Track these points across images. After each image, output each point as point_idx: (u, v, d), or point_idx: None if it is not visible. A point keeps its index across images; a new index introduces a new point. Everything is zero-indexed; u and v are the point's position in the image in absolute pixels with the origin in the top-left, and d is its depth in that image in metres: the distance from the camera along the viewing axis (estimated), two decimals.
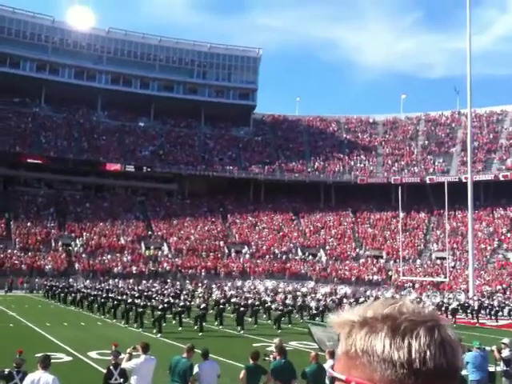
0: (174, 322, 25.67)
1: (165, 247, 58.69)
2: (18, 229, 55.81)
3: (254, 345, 18.50)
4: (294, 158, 74.59)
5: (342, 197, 69.40)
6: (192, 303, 29.52)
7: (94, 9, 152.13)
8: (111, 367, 10.16)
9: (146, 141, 72.82)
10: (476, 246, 52.35)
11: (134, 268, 53.04)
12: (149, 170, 67.71)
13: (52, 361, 9.03)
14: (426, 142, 75.52)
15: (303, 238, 64.76)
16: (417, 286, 52.34)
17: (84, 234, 57.50)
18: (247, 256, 59.17)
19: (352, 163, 74.30)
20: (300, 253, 61.22)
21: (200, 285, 45.94)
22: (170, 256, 57.30)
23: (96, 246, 55.72)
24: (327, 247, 62.56)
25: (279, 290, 41.15)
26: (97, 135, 70.98)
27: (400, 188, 52.39)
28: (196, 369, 9.93)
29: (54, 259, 52.25)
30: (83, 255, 54.19)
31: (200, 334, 22.77)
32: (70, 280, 43.77)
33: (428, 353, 0.97)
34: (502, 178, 64.12)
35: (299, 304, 31.92)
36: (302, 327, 24.04)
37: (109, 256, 54.42)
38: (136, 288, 34.62)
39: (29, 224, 56.63)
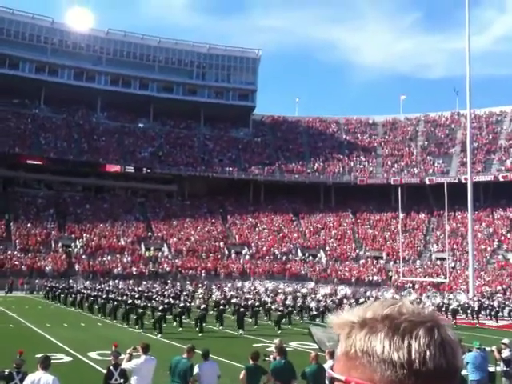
0: (174, 323, 25.57)
1: (165, 248, 58.69)
2: (18, 230, 55.81)
3: (254, 345, 18.49)
4: (293, 159, 74.61)
5: (341, 198, 69.42)
6: (192, 304, 29.52)
7: (94, 10, 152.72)
8: (111, 367, 10.17)
9: (145, 142, 72.84)
10: (476, 247, 52.37)
11: (134, 269, 53.04)
12: (148, 171, 67.73)
13: (52, 361, 9.04)
14: (426, 143, 75.56)
15: (303, 238, 64.77)
16: (417, 286, 52.34)
17: (84, 235, 57.51)
18: (247, 257, 59.17)
19: (352, 164, 74.33)
20: (300, 254, 61.22)
21: (200, 286, 45.92)
22: (170, 257, 57.30)
23: (96, 247, 55.72)
24: (327, 248, 62.57)
25: (279, 290, 41.12)
26: (96, 136, 70.99)
27: (400, 189, 52.44)
28: (196, 369, 9.94)
29: (54, 260, 52.25)
30: (83, 256, 54.18)
31: (200, 334, 22.78)
32: (70, 281, 43.73)
33: (428, 353, 0.97)
34: (501, 179, 64.16)
35: (299, 305, 31.93)
36: (302, 328, 24.05)
37: (109, 257, 54.43)
38: (136, 289, 34.61)
39: (29, 225, 56.63)
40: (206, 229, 63.42)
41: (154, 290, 34.32)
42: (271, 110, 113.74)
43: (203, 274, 53.93)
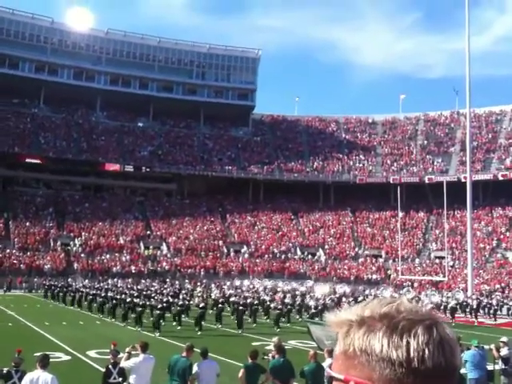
0: (174, 323, 25.47)
1: (164, 247, 58.71)
2: (17, 229, 55.80)
3: (253, 344, 18.52)
4: (293, 158, 74.60)
5: (341, 196, 69.43)
6: (191, 302, 29.56)
7: (93, 10, 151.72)
8: (110, 366, 10.17)
9: (145, 141, 72.82)
10: (475, 246, 52.44)
11: (132, 267, 53.05)
12: (148, 170, 67.71)
13: (51, 360, 9.04)
14: (425, 142, 75.56)
15: (302, 237, 64.80)
16: (416, 285, 52.38)
17: (83, 233, 57.49)
18: (246, 255, 59.19)
19: (351, 163, 74.34)
20: (299, 252, 61.25)
21: (199, 284, 45.99)
22: (169, 255, 57.33)
23: (95, 246, 55.73)
24: (326, 247, 62.61)
25: (278, 289, 41.18)
26: (96, 135, 70.97)
27: (399, 188, 52.42)
28: (195, 368, 9.94)
29: (52, 259, 52.25)
30: (82, 255, 54.19)
31: (199, 332, 22.78)
32: (69, 280, 43.77)
33: (426, 351, 0.97)
34: (500, 178, 64.19)
35: (298, 303, 31.97)
36: (301, 326, 24.06)
37: (108, 256, 54.42)
38: (135, 287, 34.61)
39: (28, 224, 56.63)
40: (205, 227, 63.44)
41: (152, 289, 34.34)
42: (271, 110, 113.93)
43: (202, 273, 53.97)
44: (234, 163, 72.18)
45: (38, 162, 63.13)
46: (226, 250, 59.95)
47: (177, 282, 44.80)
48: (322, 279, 54.34)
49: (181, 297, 29.43)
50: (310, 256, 60.82)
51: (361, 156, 75.25)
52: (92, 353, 17.11)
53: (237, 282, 46.63)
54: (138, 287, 35.74)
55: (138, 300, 26.19)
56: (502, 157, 68.63)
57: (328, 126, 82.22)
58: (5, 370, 9.32)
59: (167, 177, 68.86)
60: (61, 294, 37.67)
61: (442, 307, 33.03)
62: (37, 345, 17.43)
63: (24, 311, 30.28)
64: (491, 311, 34.55)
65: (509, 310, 36.07)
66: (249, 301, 28.67)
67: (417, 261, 59.09)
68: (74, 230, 57.89)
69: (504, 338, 13.40)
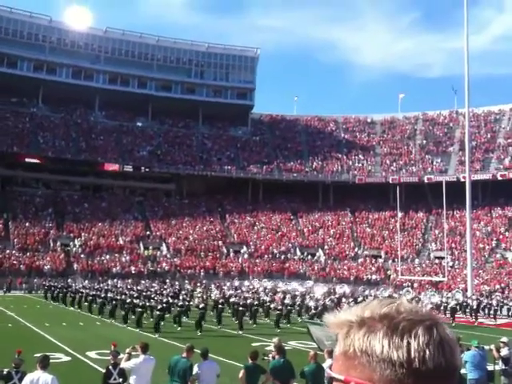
0: (175, 325, 25.22)
1: (163, 247, 58.68)
2: (17, 229, 55.75)
3: (253, 344, 18.51)
4: (292, 158, 74.60)
5: (340, 196, 69.42)
6: (191, 303, 29.53)
7: (92, 8, 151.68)
8: (110, 367, 10.16)
9: (143, 141, 72.78)
10: (474, 246, 52.46)
11: (132, 268, 53.02)
12: (147, 170, 67.68)
13: (51, 361, 9.03)
14: (424, 142, 75.58)
15: (302, 237, 64.79)
16: (415, 285, 52.37)
17: (82, 234, 57.45)
18: (246, 256, 59.17)
19: (350, 163, 74.35)
20: (298, 252, 61.24)
21: (199, 285, 45.96)
22: (168, 256, 57.30)
23: (94, 247, 55.69)
24: (326, 247, 62.60)
25: (278, 289, 41.14)
26: (95, 135, 70.92)
27: (398, 187, 52.37)
28: (196, 369, 9.93)
29: (52, 259, 52.20)
30: (82, 255, 54.14)
31: (199, 333, 22.75)
32: (69, 280, 43.73)
33: (427, 352, 0.96)
34: (499, 178, 64.22)
35: (298, 303, 31.96)
36: (301, 327, 24.04)
37: (107, 256, 54.39)
38: (135, 288, 34.59)
39: (27, 224, 56.57)
40: (205, 228, 63.41)
41: (152, 289, 34.26)
42: (269, 109, 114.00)
43: (202, 273, 53.93)
44: (233, 163, 72.16)
45: (36, 161, 63.10)
46: (225, 251, 59.92)
47: (176, 283, 44.77)
48: (321, 279, 54.35)
49: (181, 297, 29.39)
50: (309, 256, 60.80)
51: (360, 156, 75.26)
52: (92, 354, 17.09)
53: (236, 283, 46.63)
54: (138, 288, 35.72)
55: (138, 301, 26.18)
56: (500, 156, 68.66)
57: (327, 125, 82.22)
58: (5, 370, 9.31)
59: (166, 177, 68.83)
60: (61, 294, 37.64)
61: (442, 307, 33.03)
62: (37, 346, 17.42)
63: (24, 312, 30.25)
64: (491, 311, 34.57)
65: (509, 310, 36.07)
66: (249, 301, 28.65)
67: (416, 261, 59.10)
68: (74, 231, 57.84)
69: (504, 339, 13.40)
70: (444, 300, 35.63)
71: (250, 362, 10.03)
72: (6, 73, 66.91)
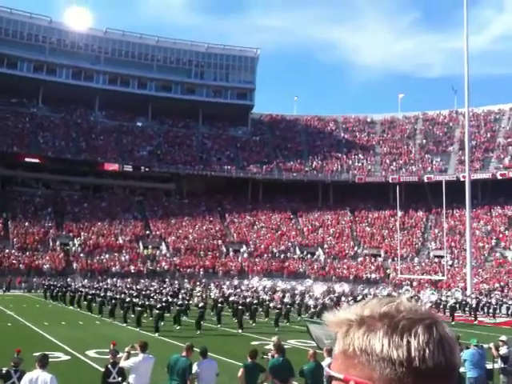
0: (175, 325, 25.17)
1: (163, 246, 58.69)
2: (16, 229, 55.78)
3: (253, 343, 18.53)
4: (291, 158, 74.61)
5: (340, 196, 69.43)
6: (190, 302, 29.54)
7: (92, 9, 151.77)
8: (109, 366, 10.17)
9: (143, 141, 72.79)
10: (474, 245, 52.51)
11: (132, 267, 53.04)
12: (147, 169, 67.69)
13: (50, 360, 9.04)
14: (424, 141, 75.60)
15: (301, 236, 64.80)
16: (415, 284, 52.40)
17: (82, 233, 57.47)
18: (245, 255, 59.19)
19: (350, 162, 74.36)
20: (298, 251, 61.26)
21: (198, 284, 45.97)
22: (168, 255, 57.32)
23: (94, 246, 55.71)
24: (325, 246, 62.62)
25: (277, 288, 41.16)
26: (95, 135, 70.93)
27: (398, 187, 52.42)
28: (195, 367, 9.94)
29: (51, 259, 52.23)
30: (81, 255, 54.16)
31: (198, 332, 22.76)
32: (68, 279, 43.74)
33: (427, 351, 0.97)
34: (499, 177, 64.25)
35: (297, 302, 31.98)
36: (300, 325, 24.07)
37: (107, 255, 54.42)
38: (134, 287, 34.58)
39: (27, 224, 56.60)
40: (205, 227, 63.42)
41: (152, 289, 34.28)
42: (269, 109, 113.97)
43: (201, 272, 53.96)
44: (232, 163, 72.18)
45: (36, 161, 63.11)
46: (225, 250, 59.94)
47: (176, 282, 44.78)
48: (321, 278, 54.35)
49: (180, 296, 29.40)
50: (309, 255, 60.82)
51: (360, 155, 75.27)
52: (91, 352, 17.10)
53: (236, 282, 46.64)
54: (137, 287, 35.69)
55: (138, 300, 26.19)
56: (500, 156, 68.69)
57: (327, 125, 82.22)
58: (4, 369, 9.32)
59: (166, 176, 68.84)
60: (60, 293, 37.67)
61: (442, 306, 33.06)
62: (36, 345, 17.43)
63: (23, 311, 30.27)
64: (490, 310, 34.60)
65: (508, 308, 36.10)
66: (248, 300, 28.67)
67: (416, 260, 59.12)
68: (73, 230, 57.87)
69: (503, 337, 13.40)
70: (443, 298, 35.67)
71: (250, 360, 10.04)
72: (6, 73, 66.91)
